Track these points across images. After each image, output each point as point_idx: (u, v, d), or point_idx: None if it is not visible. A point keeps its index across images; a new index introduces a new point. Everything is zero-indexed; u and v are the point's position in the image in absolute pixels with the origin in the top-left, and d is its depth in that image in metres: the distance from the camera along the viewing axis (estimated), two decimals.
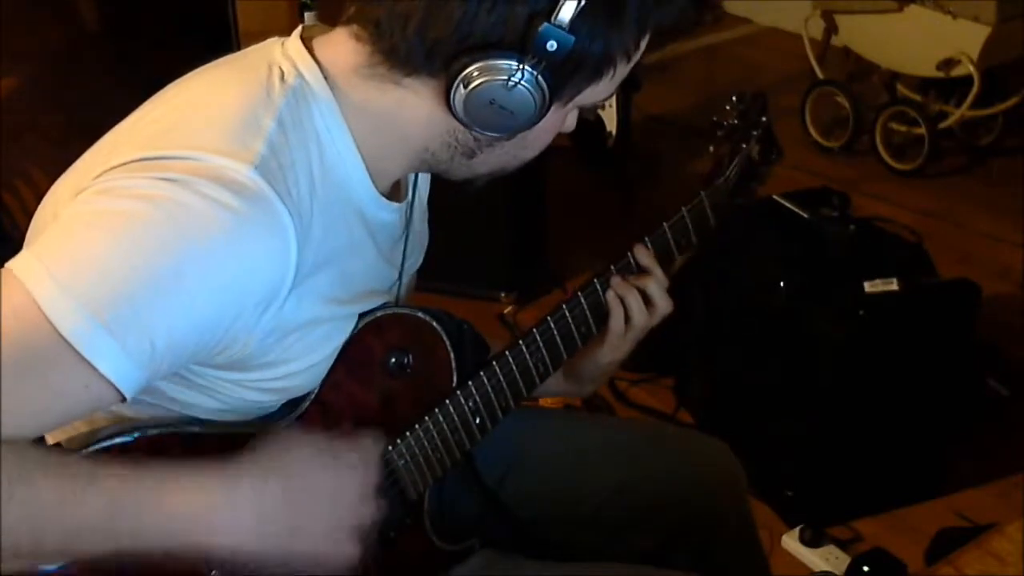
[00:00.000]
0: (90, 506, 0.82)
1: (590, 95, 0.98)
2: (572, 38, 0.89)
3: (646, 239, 1.24)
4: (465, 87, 0.92)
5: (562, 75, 0.93)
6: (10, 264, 0.84)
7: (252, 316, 0.91)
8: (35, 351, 0.81)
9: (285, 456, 0.92)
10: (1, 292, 0.82)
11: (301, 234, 0.91)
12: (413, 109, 0.97)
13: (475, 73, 0.91)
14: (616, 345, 1.23)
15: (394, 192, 1.07)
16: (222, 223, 0.86)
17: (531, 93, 0.92)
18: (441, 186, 1.19)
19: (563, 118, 1.02)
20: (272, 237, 0.89)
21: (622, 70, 0.98)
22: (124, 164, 0.89)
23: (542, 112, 0.94)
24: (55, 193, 0.99)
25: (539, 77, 0.91)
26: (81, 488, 0.82)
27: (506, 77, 0.91)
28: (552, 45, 0.89)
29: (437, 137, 1.00)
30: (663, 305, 1.22)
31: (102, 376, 0.83)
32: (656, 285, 1.22)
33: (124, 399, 0.86)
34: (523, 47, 0.90)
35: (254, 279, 0.89)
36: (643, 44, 0.97)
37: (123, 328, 0.83)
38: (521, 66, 0.90)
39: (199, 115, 0.94)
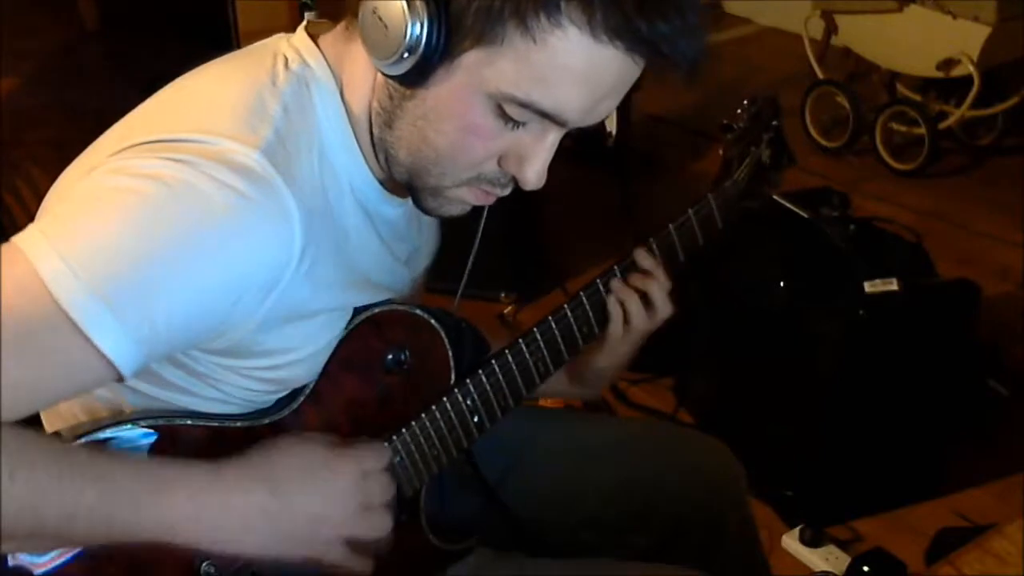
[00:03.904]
0: (88, 496, 0.83)
1: (489, 67, 0.89)
2: None
3: (651, 240, 1.23)
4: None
5: (447, 14, 0.88)
6: (15, 238, 0.85)
7: (254, 300, 0.91)
8: (36, 324, 0.82)
9: (275, 467, 0.94)
10: (5, 264, 0.82)
11: (305, 219, 0.92)
12: (363, 68, 0.97)
13: None
14: (613, 348, 1.23)
15: (400, 189, 1.07)
16: (228, 205, 0.87)
17: (407, 10, 0.87)
18: None
19: (473, 98, 0.92)
20: (277, 221, 0.90)
21: (523, 46, 0.88)
22: (134, 145, 0.90)
23: (422, 42, 0.88)
24: (62, 181, 0.99)
25: None
26: (81, 476, 0.83)
27: None
28: None
29: (373, 99, 0.98)
30: (663, 309, 1.21)
31: (100, 352, 0.83)
32: (658, 288, 1.21)
33: (122, 378, 0.86)
34: None
35: (257, 262, 0.90)
36: (557, 25, 0.87)
37: (123, 304, 0.83)
38: None
39: (207, 100, 0.95)
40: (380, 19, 0.90)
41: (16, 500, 0.80)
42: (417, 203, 1.03)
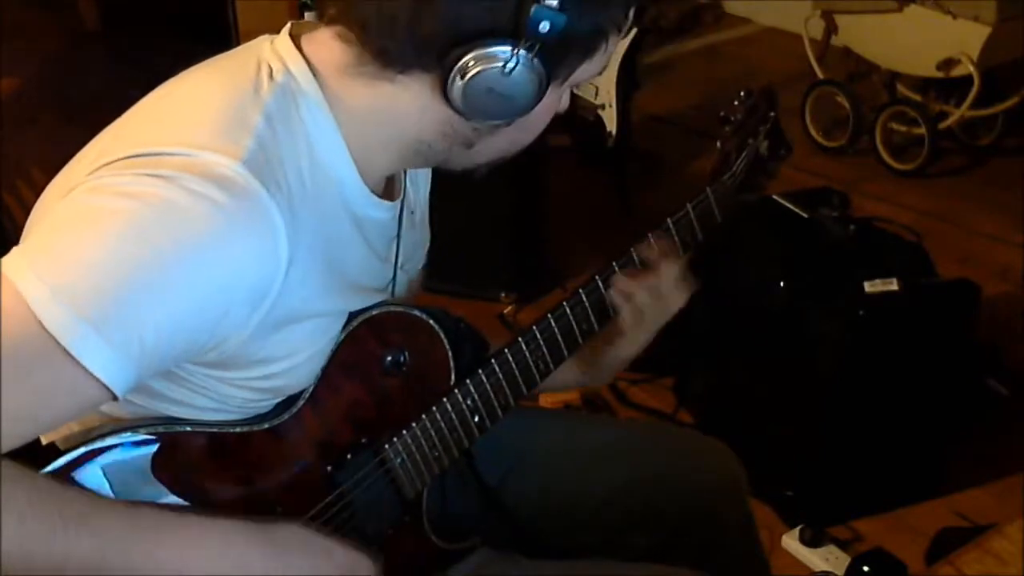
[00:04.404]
0: (82, 546, 0.83)
1: (584, 71, 0.99)
2: (564, 17, 0.90)
3: (650, 236, 1.23)
4: (462, 78, 0.92)
5: (557, 55, 0.93)
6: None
7: (243, 311, 0.91)
8: (25, 350, 0.81)
9: (275, 530, 0.95)
10: None
11: (291, 229, 0.91)
12: (407, 104, 0.97)
13: (471, 63, 0.91)
14: (635, 338, 1.25)
15: (387, 190, 1.07)
16: (209, 219, 0.86)
17: (528, 77, 0.92)
18: (440, 186, 1.19)
19: (559, 98, 1.03)
20: (261, 233, 0.89)
21: (613, 43, 0.99)
22: (114, 161, 0.89)
23: (540, 95, 0.95)
24: (48, 194, 0.98)
25: (535, 60, 0.92)
26: (76, 527, 0.83)
27: (502, 64, 0.91)
28: (545, 26, 0.90)
29: (433, 129, 0.99)
30: (675, 299, 1.23)
31: (91, 374, 0.83)
32: (666, 282, 1.22)
33: (115, 397, 0.86)
34: (516, 31, 0.90)
35: (241, 274, 0.89)
36: (631, 15, 0.99)
37: (110, 325, 0.83)
38: (516, 51, 0.91)
39: (187, 111, 0.94)
40: (501, 94, 0.93)
41: (7, 551, 0.79)
42: (449, 172, 1.08)
